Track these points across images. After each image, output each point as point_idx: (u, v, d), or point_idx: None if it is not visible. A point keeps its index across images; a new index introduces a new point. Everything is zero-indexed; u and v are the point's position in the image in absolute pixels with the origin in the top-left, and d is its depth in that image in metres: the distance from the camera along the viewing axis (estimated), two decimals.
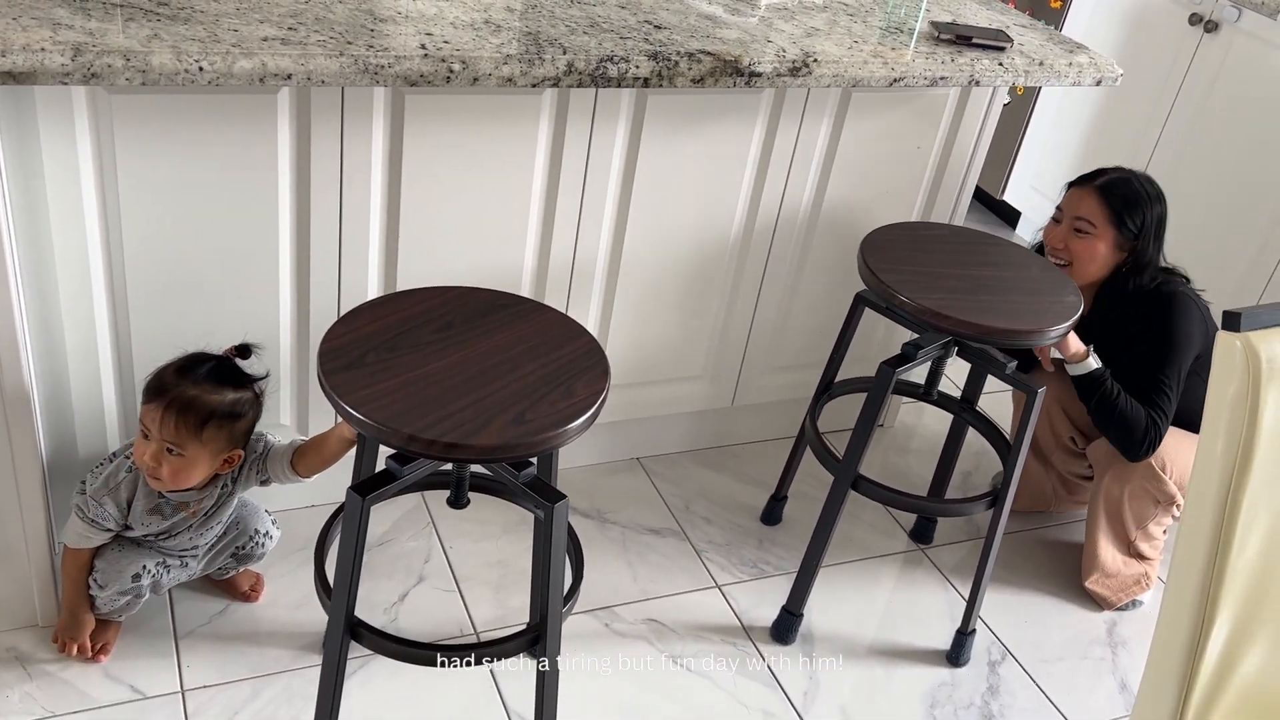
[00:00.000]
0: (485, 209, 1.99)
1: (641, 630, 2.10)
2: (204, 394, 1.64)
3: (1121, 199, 2.13)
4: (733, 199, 2.21)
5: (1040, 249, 2.28)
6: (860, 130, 2.24)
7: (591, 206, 2.08)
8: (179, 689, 1.83)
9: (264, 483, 1.81)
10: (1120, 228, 2.13)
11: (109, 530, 1.75)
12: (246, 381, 1.71)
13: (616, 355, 2.29)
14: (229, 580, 2.00)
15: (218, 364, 1.68)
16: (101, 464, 1.76)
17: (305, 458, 1.77)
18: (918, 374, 2.15)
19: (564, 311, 2.14)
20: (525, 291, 2.12)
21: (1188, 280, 2.20)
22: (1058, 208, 2.22)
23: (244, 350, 1.71)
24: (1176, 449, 2.15)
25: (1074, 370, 2.10)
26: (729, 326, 2.39)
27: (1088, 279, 2.18)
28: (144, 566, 1.79)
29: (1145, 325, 2.13)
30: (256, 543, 1.92)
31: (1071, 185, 2.22)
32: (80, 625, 1.81)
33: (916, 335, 1.97)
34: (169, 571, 1.84)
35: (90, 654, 1.84)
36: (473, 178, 1.95)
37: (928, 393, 2.17)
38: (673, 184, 2.13)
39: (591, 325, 2.22)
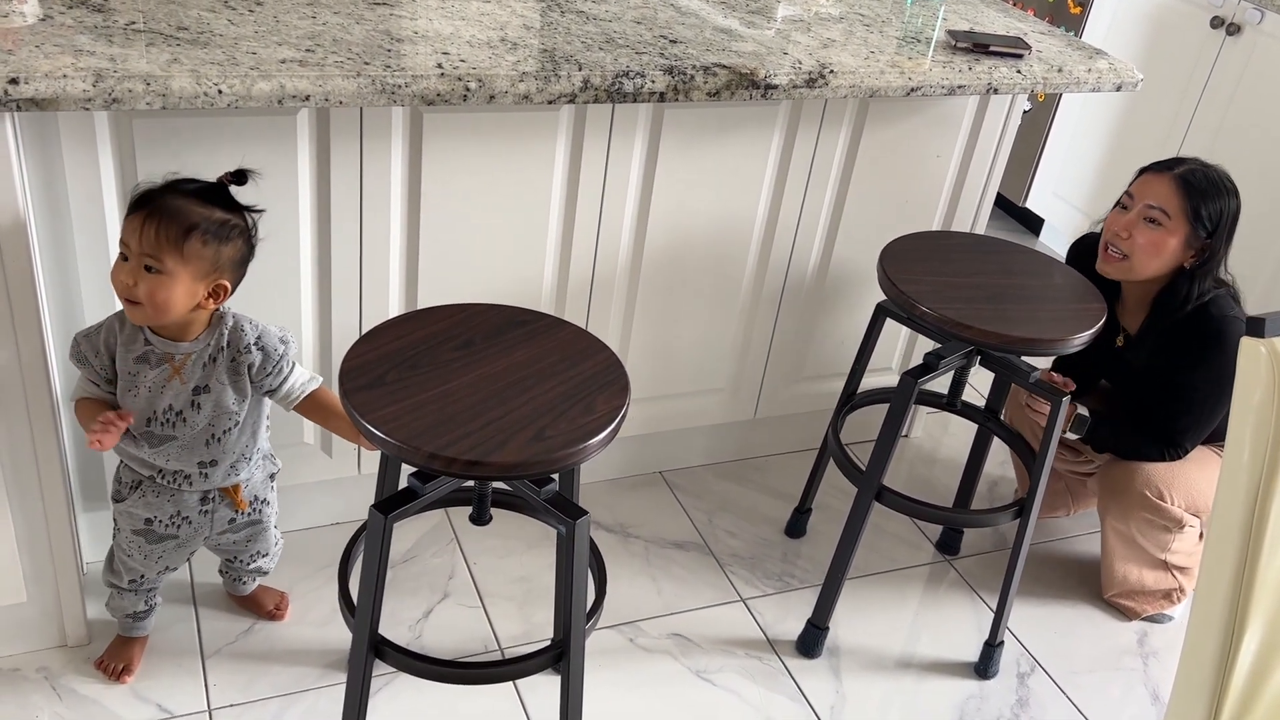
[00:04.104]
0: (504, 225, 2.00)
1: (666, 645, 2.09)
2: (189, 205, 1.53)
3: (1200, 192, 1.97)
4: (751, 211, 2.21)
5: (1083, 244, 2.22)
6: (879, 140, 2.24)
7: (610, 221, 2.09)
8: (206, 708, 1.84)
9: (269, 393, 1.71)
10: (1194, 223, 1.97)
11: (99, 375, 1.63)
12: (238, 207, 1.59)
13: (637, 369, 2.29)
14: (254, 599, 2.01)
15: (209, 186, 1.57)
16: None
17: (315, 414, 1.71)
18: (942, 384, 2.13)
19: (584, 326, 2.15)
20: (545, 307, 2.12)
21: (1237, 299, 2.07)
22: (1126, 193, 2.06)
23: (240, 176, 1.58)
24: (1175, 473, 2.12)
25: (1073, 434, 2.11)
26: (750, 339, 2.39)
27: (1145, 274, 2.04)
28: (155, 517, 1.74)
29: (1189, 356, 2.03)
30: (256, 554, 1.90)
31: (1146, 170, 2.05)
32: (101, 410, 1.61)
33: (939, 345, 1.96)
34: (179, 529, 1.75)
35: (116, 675, 1.86)
36: (492, 195, 1.95)
37: (951, 403, 2.16)
38: (691, 197, 2.13)
39: (612, 340, 2.23)
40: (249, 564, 1.91)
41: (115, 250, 1.74)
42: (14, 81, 1.38)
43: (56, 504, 1.75)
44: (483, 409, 1.42)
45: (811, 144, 2.18)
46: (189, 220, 1.52)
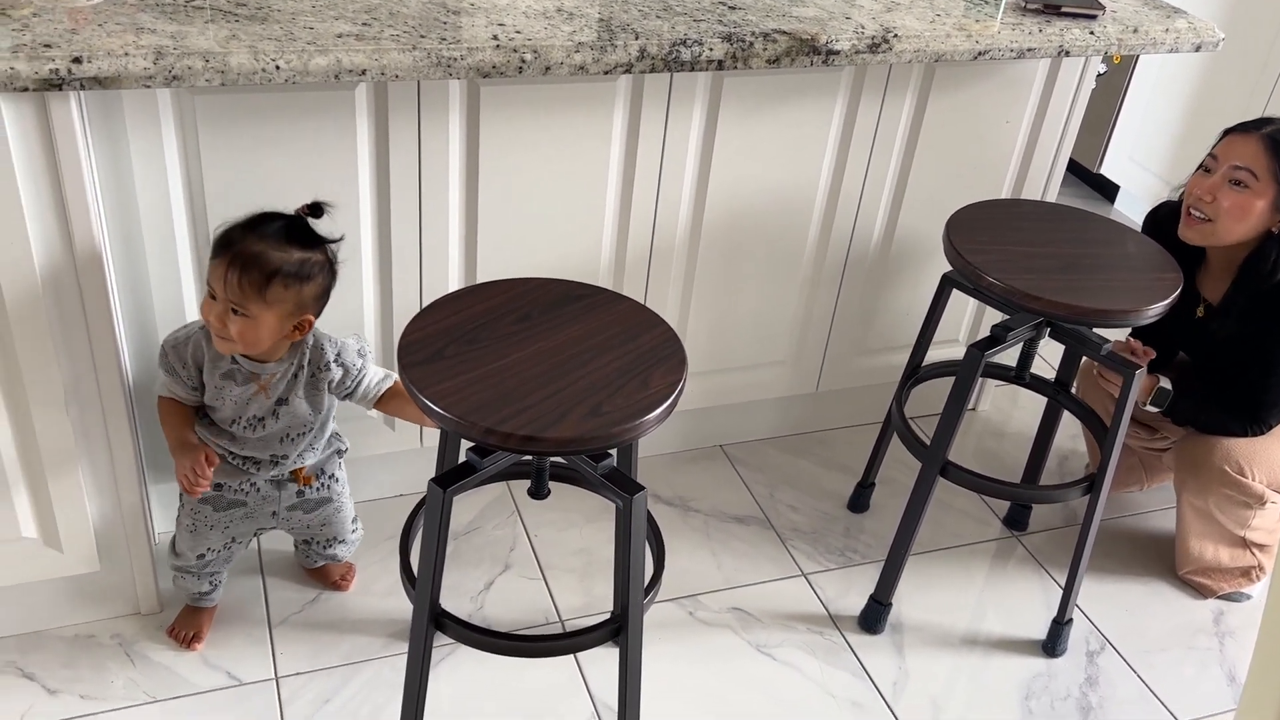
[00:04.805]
0: (562, 198, 1.99)
1: (726, 619, 2.09)
2: (269, 251, 1.55)
3: None
4: (814, 180, 2.17)
5: (1160, 212, 2.16)
6: (945, 106, 2.18)
7: (669, 192, 2.06)
8: (273, 676, 1.88)
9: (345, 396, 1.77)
10: None
11: (185, 384, 1.70)
12: (318, 242, 1.61)
13: (697, 342, 2.27)
14: (322, 570, 2.04)
15: (288, 222, 1.59)
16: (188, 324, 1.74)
17: (389, 406, 1.77)
18: (1010, 356, 2.09)
19: (643, 299, 2.14)
20: (603, 281, 2.11)
21: None
22: (1210, 155, 1.99)
23: (316, 209, 1.61)
24: (1257, 448, 2.05)
25: (1153, 407, 2.06)
26: (812, 310, 2.35)
27: (1230, 239, 1.97)
28: (209, 548, 1.83)
29: (1272, 325, 1.98)
30: (331, 540, 1.95)
31: (1230, 131, 1.98)
32: (191, 448, 1.70)
33: (1006, 317, 1.91)
34: (248, 496, 1.80)
35: (187, 643, 1.90)
36: (549, 167, 1.94)
37: (1019, 376, 2.11)
38: (751, 167, 2.10)
39: (671, 313, 2.21)
40: (324, 549, 1.96)
41: (179, 230, 1.76)
42: (77, 60, 1.40)
43: (128, 476, 1.79)
44: (540, 383, 1.41)
45: (875, 111, 2.13)
46: (269, 267, 1.55)
